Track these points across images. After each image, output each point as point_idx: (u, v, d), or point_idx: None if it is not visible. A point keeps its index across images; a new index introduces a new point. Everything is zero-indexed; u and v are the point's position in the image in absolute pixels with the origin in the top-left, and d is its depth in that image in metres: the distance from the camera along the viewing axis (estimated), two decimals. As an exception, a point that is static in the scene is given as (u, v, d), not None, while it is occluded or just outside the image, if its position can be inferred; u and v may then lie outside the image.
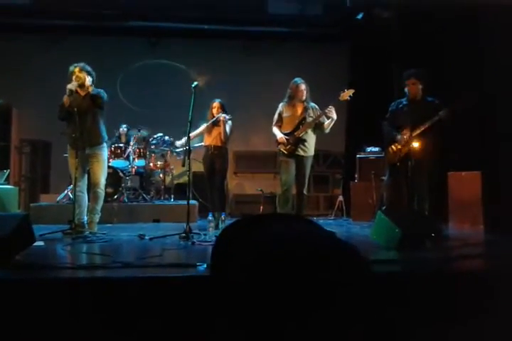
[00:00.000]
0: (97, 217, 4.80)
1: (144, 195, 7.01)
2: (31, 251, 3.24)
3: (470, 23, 5.48)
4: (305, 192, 5.19)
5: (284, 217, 1.03)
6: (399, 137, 4.69)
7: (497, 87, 5.18)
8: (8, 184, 6.86)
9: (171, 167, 7.56)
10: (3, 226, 2.99)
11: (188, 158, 4.72)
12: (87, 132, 4.64)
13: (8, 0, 7.38)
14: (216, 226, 4.94)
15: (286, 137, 5.11)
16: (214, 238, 4.01)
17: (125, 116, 7.89)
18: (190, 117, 4.70)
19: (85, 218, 4.76)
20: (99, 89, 4.84)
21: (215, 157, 5.73)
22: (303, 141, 5.10)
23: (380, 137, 5.18)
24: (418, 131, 4.57)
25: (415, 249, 3.52)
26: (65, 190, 6.63)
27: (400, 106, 4.81)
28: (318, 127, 5.18)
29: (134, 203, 6.81)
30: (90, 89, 4.73)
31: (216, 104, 5.80)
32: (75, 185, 4.67)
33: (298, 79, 5.21)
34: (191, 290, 2.32)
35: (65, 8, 7.60)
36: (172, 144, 7.32)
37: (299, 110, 5.19)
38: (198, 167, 6.40)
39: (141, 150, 7.17)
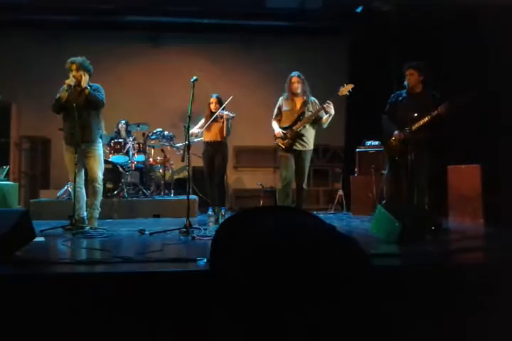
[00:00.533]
0: (96, 212, 4.81)
1: (144, 191, 7.02)
2: (32, 246, 3.24)
3: (470, 16, 5.45)
4: (305, 186, 5.20)
5: (284, 210, 1.02)
6: (396, 133, 4.68)
7: (499, 81, 5.17)
8: (8, 180, 6.86)
9: (171, 162, 7.56)
10: (4, 222, 2.99)
11: (188, 153, 4.71)
12: (82, 128, 4.62)
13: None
14: (216, 221, 4.95)
15: (284, 131, 5.11)
16: (214, 233, 4.01)
17: (124, 112, 7.88)
18: (189, 111, 4.69)
19: (85, 213, 4.77)
20: (97, 85, 4.82)
21: (215, 152, 5.73)
22: (301, 136, 5.10)
23: (380, 131, 5.17)
24: (417, 125, 4.56)
25: (415, 242, 3.52)
26: (64, 186, 6.64)
27: (400, 98, 4.79)
28: (316, 122, 5.17)
29: (134, 198, 6.81)
30: (86, 91, 4.69)
31: (214, 99, 5.79)
32: (74, 181, 4.67)
33: (294, 73, 5.21)
34: (191, 284, 2.33)
35: (64, 3, 7.57)
36: (172, 139, 7.32)
37: (298, 104, 5.18)
38: (197, 162, 6.40)
39: (141, 146, 7.17)
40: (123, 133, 7.55)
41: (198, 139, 6.16)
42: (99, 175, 4.80)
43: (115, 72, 8.54)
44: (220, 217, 5.07)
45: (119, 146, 7.00)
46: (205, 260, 2.73)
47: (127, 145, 7.01)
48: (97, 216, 4.83)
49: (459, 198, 5.62)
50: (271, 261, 0.79)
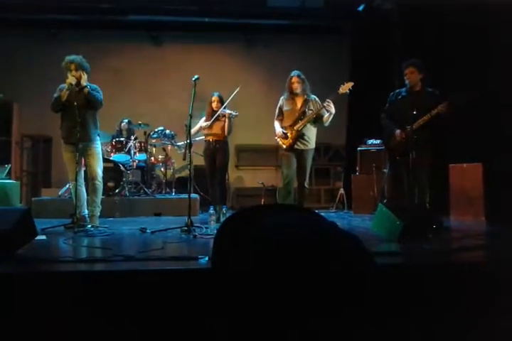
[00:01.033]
0: (98, 210, 4.82)
1: (146, 189, 7.02)
2: (33, 245, 3.25)
3: (471, 14, 5.44)
4: (306, 185, 5.19)
5: (285, 208, 1.02)
6: (397, 132, 4.68)
7: (500, 80, 5.16)
8: (10, 179, 6.87)
9: (172, 161, 7.56)
10: (6, 220, 3.00)
11: (189, 152, 4.71)
12: (82, 126, 4.62)
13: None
14: (217, 220, 4.96)
15: (284, 131, 5.11)
16: (215, 231, 4.01)
17: (125, 110, 7.88)
18: (190, 110, 4.69)
19: (86, 212, 4.78)
20: (95, 85, 4.82)
21: (216, 150, 5.72)
22: (302, 135, 5.09)
23: (380, 129, 5.17)
24: (418, 124, 4.55)
25: (416, 241, 3.52)
26: (66, 184, 6.64)
27: (399, 97, 4.79)
28: (318, 120, 5.17)
29: (136, 197, 6.82)
30: (86, 91, 4.69)
31: (215, 97, 5.79)
32: (76, 180, 4.67)
33: (295, 72, 5.20)
34: (193, 283, 2.33)
35: (65, 2, 7.58)
36: (173, 138, 7.32)
37: (299, 103, 5.18)
38: (199, 160, 6.40)
39: (142, 144, 7.17)
40: (125, 132, 7.56)
41: (200, 138, 6.16)
42: (99, 172, 4.81)
43: (116, 71, 8.55)
44: (221, 215, 5.08)
45: (120, 145, 7.01)
46: (206, 258, 2.73)
47: (129, 144, 7.02)
48: (99, 214, 4.84)
49: (461, 197, 5.61)
50: (275, 259, 0.78)
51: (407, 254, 3.20)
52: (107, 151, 7.05)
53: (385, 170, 5.72)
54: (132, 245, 3.90)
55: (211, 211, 4.71)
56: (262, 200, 7.60)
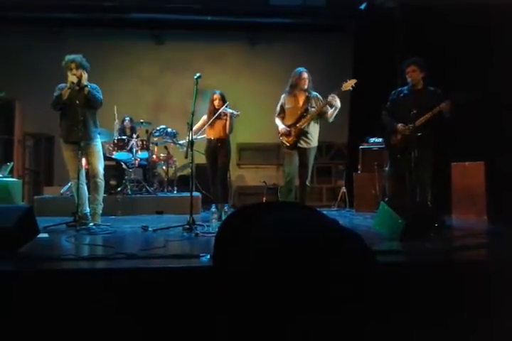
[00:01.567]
0: (99, 208, 4.83)
1: (147, 187, 7.03)
2: (35, 243, 3.25)
3: (473, 13, 5.42)
4: (308, 183, 5.19)
5: (286, 205, 1.02)
6: (400, 125, 4.67)
7: (503, 80, 5.15)
8: (12, 177, 6.88)
9: (174, 159, 7.57)
10: (8, 218, 3.01)
11: (191, 150, 4.71)
12: (83, 125, 4.62)
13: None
14: (219, 218, 4.96)
15: (288, 129, 5.10)
16: (217, 229, 4.02)
17: (127, 109, 7.88)
18: (192, 108, 4.69)
19: (88, 210, 4.78)
20: (95, 85, 4.81)
21: (218, 149, 5.72)
22: (305, 133, 5.08)
23: (382, 128, 5.16)
24: (419, 123, 4.55)
25: (418, 239, 3.52)
26: (68, 183, 6.64)
27: (401, 95, 4.79)
28: (321, 116, 5.16)
29: (138, 195, 6.82)
30: (86, 90, 4.69)
31: (217, 95, 5.77)
32: (78, 178, 4.68)
33: (301, 68, 5.19)
34: (195, 280, 2.33)
35: (67, 0, 7.58)
36: (175, 136, 7.32)
37: (301, 101, 5.16)
38: (200, 159, 6.40)
39: (144, 143, 7.18)
40: (127, 130, 7.56)
41: (201, 136, 6.15)
42: (100, 170, 4.82)
43: (117, 69, 8.54)
44: (223, 213, 5.08)
45: (122, 143, 7.01)
46: (208, 256, 2.73)
47: (131, 142, 7.02)
48: (100, 212, 4.85)
49: (463, 195, 5.60)
50: (274, 257, 0.78)
51: (408, 253, 3.20)
52: (109, 149, 7.06)
53: (385, 169, 5.71)
54: (134, 243, 3.90)
55: (213, 209, 4.71)
56: (264, 199, 7.60)
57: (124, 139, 7.05)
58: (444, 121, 4.55)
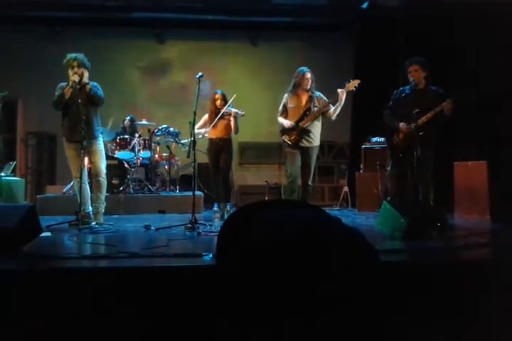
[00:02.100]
0: (102, 207, 4.83)
1: (150, 186, 7.04)
2: (38, 241, 3.26)
3: (475, 12, 5.41)
4: (310, 183, 5.19)
5: (287, 203, 1.02)
6: (402, 124, 4.67)
7: (504, 79, 5.14)
8: (15, 176, 6.89)
9: (176, 158, 7.57)
10: (10, 217, 3.01)
11: (193, 150, 4.71)
12: (86, 124, 4.62)
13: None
14: (221, 217, 4.95)
15: (293, 123, 5.09)
16: (220, 228, 4.02)
17: (128, 108, 7.89)
18: (194, 108, 4.69)
19: (90, 209, 4.79)
20: (95, 83, 4.82)
21: (221, 148, 5.71)
22: (307, 132, 5.08)
23: (384, 127, 5.16)
24: (421, 122, 4.54)
25: (420, 238, 3.51)
26: (71, 182, 6.65)
27: (403, 95, 4.78)
28: (324, 114, 5.16)
29: (140, 194, 6.83)
30: (88, 88, 4.70)
31: (219, 95, 5.76)
32: (80, 177, 4.68)
33: (304, 68, 5.18)
34: (197, 279, 2.33)
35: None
36: (177, 136, 7.32)
37: (304, 100, 5.16)
38: (203, 158, 6.40)
39: (146, 142, 7.18)
40: (128, 130, 7.56)
41: (206, 131, 6.14)
42: (103, 169, 4.83)
43: (118, 68, 8.55)
44: (225, 213, 5.08)
45: (124, 142, 7.02)
46: (210, 255, 2.73)
47: (133, 142, 7.03)
48: (103, 210, 4.86)
49: (466, 194, 5.60)
50: (279, 256, 0.77)
51: (411, 252, 3.19)
52: (111, 148, 7.06)
53: (388, 168, 5.70)
54: (136, 242, 3.91)
55: (215, 208, 4.70)
56: (266, 198, 7.59)
57: (126, 138, 7.06)
58: (445, 120, 4.55)
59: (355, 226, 0.90)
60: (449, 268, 2.68)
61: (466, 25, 5.53)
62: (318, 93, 5.21)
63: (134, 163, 7.05)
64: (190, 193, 4.72)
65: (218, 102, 5.73)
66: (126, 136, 7.12)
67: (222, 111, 5.59)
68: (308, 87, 5.13)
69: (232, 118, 5.62)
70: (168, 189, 7.36)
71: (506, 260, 2.78)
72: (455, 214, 5.64)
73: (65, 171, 7.50)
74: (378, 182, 6.48)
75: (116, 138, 7.06)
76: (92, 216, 4.75)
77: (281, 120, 5.21)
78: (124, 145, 7.00)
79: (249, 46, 9.01)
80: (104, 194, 4.87)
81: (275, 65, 8.58)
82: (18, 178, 6.90)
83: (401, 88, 4.90)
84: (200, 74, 4.79)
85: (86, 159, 4.89)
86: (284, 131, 5.16)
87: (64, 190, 6.81)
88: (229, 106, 5.65)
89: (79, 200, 4.65)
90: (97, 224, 4.60)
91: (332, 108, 5.07)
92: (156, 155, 7.39)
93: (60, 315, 2.24)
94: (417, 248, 3.30)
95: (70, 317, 2.24)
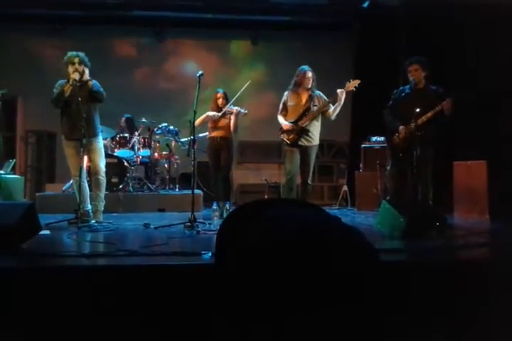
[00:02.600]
0: (101, 205, 4.83)
1: (149, 185, 7.03)
2: (37, 239, 3.25)
3: (477, 11, 5.41)
4: (310, 181, 5.19)
5: (289, 202, 1.01)
6: (401, 128, 4.67)
7: (506, 79, 5.14)
8: (14, 174, 6.89)
9: (176, 157, 7.56)
10: (10, 215, 3.01)
11: (193, 148, 4.71)
12: (86, 122, 4.61)
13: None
14: (221, 216, 4.95)
15: (291, 125, 5.09)
16: (219, 227, 4.02)
17: (129, 106, 7.88)
18: (195, 106, 4.68)
19: (89, 207, 4.79)
20: (94, 80, 4.81)
21: (222, 147, 5.70)
22: (306, 131, 5.08)
23: (384, 126, 5.16)
24: (421, 121, 4.54)
25: (420, 238, 3.51)
26: (70, 180, 6.64)
27: (403, 94, 4.78)
28: (323, 114, 5.16)
29: (139, 193, 6.83)
30: (90, 84, 4.69)
31: (220, 94, 5.76)
32: (79, 176, 4.67)
33: (305, 67, 5.18)
34: (196, 278, 2.33)
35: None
36: (177, 134, 7.32)
37: (304, 99, 5.16)
38: (203, 157, 6.40)
39: (146, 140, 7.17)
40: (125, 128, 7.53)
41: (203, 134, 6.14)
42: (102, 167, 4.83)
43: (119, 67, 8.54)
44: (224, 211, 5.08)
45: (124, 141, 7.01)
46: (209, 254, 2.73)
47: (133, 140, 7.02)
48: (102, 209, 4.86)
49: (465, 194, 5.60)
50: (279, 255, 0.77)
51: (410, 251, 3.19)
52: (111, 147, 7.05)
53: (387, 167, 5.71)
54: (136, 240, 3.91)
55: (214, 207, 4.70)
56: (266, 197, 7.60)
57: (125, 137, 7.05)
58: (445, 120, 4.55)
59: (354, 226, 0.90)
60: (448, 267, 2.68)
61: (466, 25, 5.52)
62: (318, 92, 5.21)
63: (134, 162, 7.04)
64: (190, 192, 4.71)
65: (220, 101, 5.72)
66: (126, 135, 7.11)
67: (227, 107, 5.58)
68: (309, 86, 5.12)
69: (233, 117, 5.61)
70: (167, 187, 7.35)
71: (505, 259, 2.78)
72: (454, 214, 5.64)
73: (64, 169, 7.49)
74: (378, 182, 6.48)
75: (116, 136, 7.05)
76: (91, 214, 4.75)
77: (280, 119, 5.21)
78: (123, 143, 7.00)
79: (249, 45, 9.00)
80: (103, 192, 4.87)
81: (275, 63, 8.57)
82: (18, 176, 6.89)
83: (401, 87, 4.90)
84: (200, 72, 4.78)
85: (85, 157, 4.88)
86: (283, 129, 5.16)
87: (63, 188, 6.80)
88: (231, 104, 5.65)
89: (78, 198, 4.65)
90: (96, 222, 4.59)
91: (332, 108, 5.06)
92: (156, 154, 7.38)
93: (59, 313, 2.24)
94: (416, 247, 3.29)
95: (69, 315, 2.24)
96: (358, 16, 7.97)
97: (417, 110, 4.50)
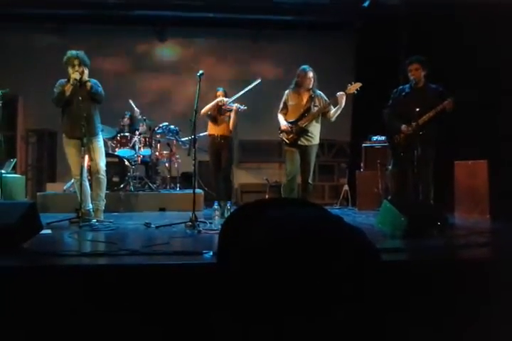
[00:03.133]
0: (102, 204, 4.83)
1: (150, 184, 7.03)
2: (38, 239, 3.26)
3: (477, 11, 5.40)
4: (310, 181, 5.18)
5: (290, 202, 1.02)
6: (403, 126, 4.66)
7: (506, 78, 5.14)
8: (15, 173, 6.89)
9: (177, 156, 7.56)
10: (11, 214, 3.02)
11: (194, 147, 4.71)
12: (87, 121, 4.62)
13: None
14: (222, 215, 4.96)
15: (290, 125, 5.09)
16: (220, 226, 4.02)
17: (129, 106, 7.87)
18: (195, 105, 4.68)
19: (90, 206, 4.79)
20: (94, 80, 4.81)
21: (222, 146, 5.70)
22: (306, 131, 5.07)
23: (385, 126, 5.15)
24: (422, 121, 4.54)
25: (421, 237, 3.51)
26: (71, 179, 6.63)
27: (403, 93, 4.77)
28: (323, 115, 5.15)
29: (140, 192, 6.83)
30: (89, 85, 4.69)
31: (220, 92, 5.77)
32: (80, 175, 4.68)
33: (306, 67, 5.17)
34: (197, 277, 2.34)
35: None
36: (177, 133, 7.32)
37: (305, 99, 5.15)
38: (203, 156, 6.40)
39: (147, 140, 7.18)
40: (127, 128, 7.53)
41: (203, 133, 6.13)
42: (102, 166, 4.83)
43: (119, 66, 8.54)
44: (225, 210, 5.08)
45: (125, 140, 7.02)
46: (211, 253, 2.74)
47: (133, 139, 7.02)
48: (103, 208, 4.86)
49: (466, 193, 5.59)
50: (281, 254, 0.77)
51: (411, 251, 3.19)
52: (112, 146, 7.06)
53: (388, 167, 5.71)
54: (137, 240, 3.91)
55: (215, 206, 4.71)
56: (267, 196, 7.60)
57: (126, 136, 7.06)
58: (447, 119, 4.55)
59: (355, 225, 0.90)
60: (449, 266, 2.68)
61: (467, 24, 5.52)
62: (319, 92, 5.19)
63: (135, 161, 7.05)
64: (191, 191, 4.72)
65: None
66: (127, 134, 7.12)
67: (230, 101, 5.57)
68: (310, 86, 5.12)
69: (232, 114, 5.60)
70: (168, 187, 7.36)
71: (506, 259, 2.78)
72: (455, 213, 5.64)
73: (65, 168, 7.49)
74: (379, 181, 6.48)
75: (116, 135, 7.06)
76: (92, 213, 4.75)
77: (280, 118, 5.20)
78: (124, 142, 7.00)
79: (250, 44, 8.99)
80: (104, 191, 4.87)
81: (275, 62, 8.57)
82: (19, 175, 6.89)
83: (401, 87, 4.89)
84: (201, 72, 4.78)
85: (86, 156, 4.88)
86: (282, 129, 5.15)
87: (64, 188, 6.80)
88: (230, 102, 5.65)
89: (79, 198, 4.65)
90: (97, 221, 4.60)
91: (333, 109, 5.05)
92: (157, 153, 7.39)
93: (61, 312, 2.24)
94: (417, 247, 3.30)
95: (70, 314, 2.24)
96: (359, 15, 7.97)
97: (417, 109, 4.50)
